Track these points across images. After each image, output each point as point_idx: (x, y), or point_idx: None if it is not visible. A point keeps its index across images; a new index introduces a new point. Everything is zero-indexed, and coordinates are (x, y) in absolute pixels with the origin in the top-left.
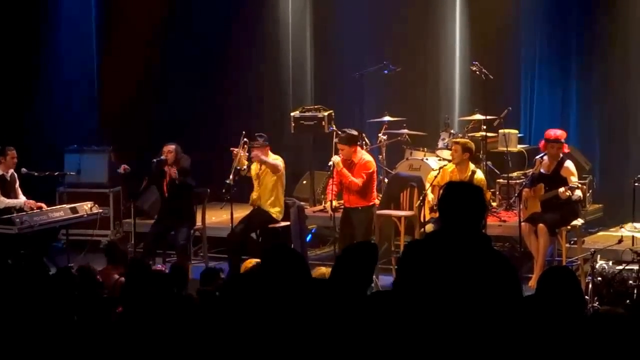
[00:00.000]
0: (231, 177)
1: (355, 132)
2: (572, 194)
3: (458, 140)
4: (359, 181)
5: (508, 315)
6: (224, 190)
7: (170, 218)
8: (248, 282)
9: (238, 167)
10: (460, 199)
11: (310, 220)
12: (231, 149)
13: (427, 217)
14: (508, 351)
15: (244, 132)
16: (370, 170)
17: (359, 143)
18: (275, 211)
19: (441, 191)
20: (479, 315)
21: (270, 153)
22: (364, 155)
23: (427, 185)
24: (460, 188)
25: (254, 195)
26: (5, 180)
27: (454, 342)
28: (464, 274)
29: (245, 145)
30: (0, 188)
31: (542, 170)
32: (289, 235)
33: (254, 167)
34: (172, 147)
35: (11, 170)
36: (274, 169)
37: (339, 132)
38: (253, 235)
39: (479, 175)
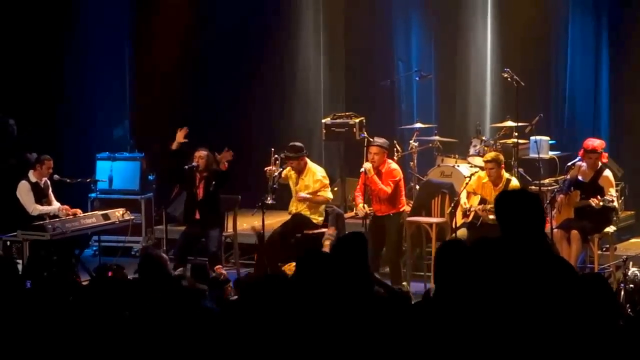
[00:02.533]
0: (272, 192)
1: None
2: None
3: (489, 158)
4: (387, 189)
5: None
6: (269, 199)
7: (201, 225)
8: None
9: (275, 186)
10: (519, 207)
11: None
12: (265, 169)
13: (460, 222)
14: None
15: (272, 150)
16: (397, 178)
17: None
18: (316, 217)
19: (496, 200)
20: (543, 322)
21: (309, 162)
22: (391, 164)
23: (462, 187)
24: (518, 196)
25: (294, 204)
26: (39, 187)
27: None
28: (531, 282)
29: (277, 162)
30: (34, 195)
31: (579, 178)
32: None
33: (293, 175)
34: (203, 152)
35: (45, 178)
36: (322, 201)
37: (370, 139)
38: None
39: (514, 182)
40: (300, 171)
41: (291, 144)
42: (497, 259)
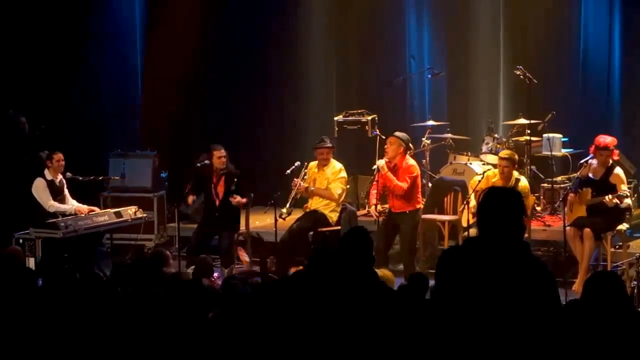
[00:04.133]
0: (287, 206)
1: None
2: (621, 202)
3: (505, 156)
4: (403, 185)
5: (545, 323)
6: (285, 211)
7: (216, 223)
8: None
9: (295, 197)
10: (497, 204)
11: None
12: (294, 181)
13: (471, 222)
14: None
15: (305, 163)
16: (414, 174)
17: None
18: (332, 215)
19: (480, 197)
20: (515, 323)
21: (332, 160)
22: (408, 159)
23: (470, 191)
24: (498, 194)
25: (312, 202)
26: (55, 185)
27: (491, 350)
28: (501, 282)
29: (306, 177)
30: (50, 193)
31: (590, 176)
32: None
33: (314, 173)
34: (223, 152)
35: (60, 176)
36: (328, 197)
37: (382, 137)
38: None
39: (523, 182)
40: (324, 164)
41: (322, 137)
42: (473, 257)
